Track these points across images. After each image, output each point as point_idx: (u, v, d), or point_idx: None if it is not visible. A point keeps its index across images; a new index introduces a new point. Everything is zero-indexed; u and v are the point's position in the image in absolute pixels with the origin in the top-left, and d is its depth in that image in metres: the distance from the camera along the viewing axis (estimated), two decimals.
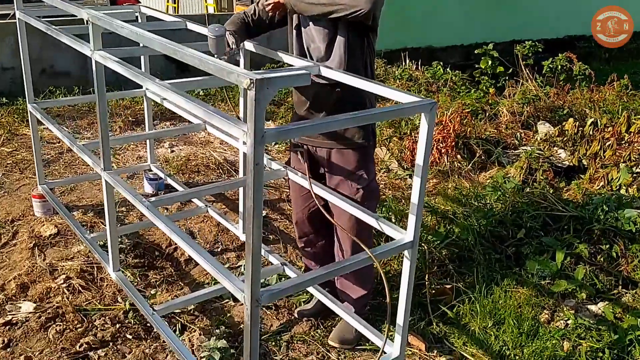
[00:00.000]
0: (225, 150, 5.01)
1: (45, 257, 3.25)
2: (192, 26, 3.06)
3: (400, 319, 2.30)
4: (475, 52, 6.64)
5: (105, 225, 3.58)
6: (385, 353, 2.38)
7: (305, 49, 2.47)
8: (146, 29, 2.24)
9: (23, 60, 3.35)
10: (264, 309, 2.99)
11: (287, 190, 3.95)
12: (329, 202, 2.53)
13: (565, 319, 2.94)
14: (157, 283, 3.14)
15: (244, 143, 1.61)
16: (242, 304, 3.01)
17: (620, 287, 3.08)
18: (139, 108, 5.75)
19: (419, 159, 2.04)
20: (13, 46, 5.93)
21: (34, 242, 3.34)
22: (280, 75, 1.57)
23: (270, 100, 1.58)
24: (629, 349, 2.68)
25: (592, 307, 3.01)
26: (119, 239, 3.41)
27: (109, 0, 8.31)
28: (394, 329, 2.34)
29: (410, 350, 2.74)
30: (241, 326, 2.84)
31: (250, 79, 1.52)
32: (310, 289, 2.79)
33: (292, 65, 2.38)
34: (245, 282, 1.77)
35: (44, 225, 3.51)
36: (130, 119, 5.47)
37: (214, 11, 11.38)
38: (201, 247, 2.15)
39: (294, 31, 2.48)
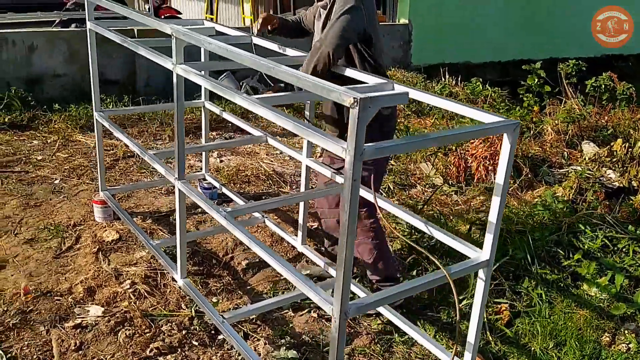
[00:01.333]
0: (272, 161, 5.08)
1: (110, 261, 3.33)
2: (257, 40, 3.14)
3: (471, 337, 2.32)
4: (523, 67, 6.64)
5: (163, 232, 3.70)
6: None
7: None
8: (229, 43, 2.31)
9: (92, 71, 3.47)
10: (323, 320, 3.03)
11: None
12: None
13: (627, 342, 2.92)
14: (218, 291, 3.20)
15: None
16: (301, 315, 3.07)
17: None
18: (186, 117, 5.86)
19: (499, 179, 2.07)
20: (66, 53, 6.10)
21: (97, 246, 3.43)
22: (382, 94, 1.62)
23: (370, 118, 1.63)
24: None
25: None
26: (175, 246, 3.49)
27: (153, 9, 8.49)
28: (463, 347, 2.36)
29: None
30: (303, 336, 2.88)
31: (354, 98, 1.57)
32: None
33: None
34: (335, 295, 1.81)
35: (106, 230, 3.60)
36: None
37: (251, 23, 11.55)
38: (283, 259, 2.19)
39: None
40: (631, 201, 4.33)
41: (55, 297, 3.00)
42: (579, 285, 3.29)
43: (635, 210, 3.99)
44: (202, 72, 2.44)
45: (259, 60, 1.97)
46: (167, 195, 4.26)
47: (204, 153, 4.16)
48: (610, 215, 3.75)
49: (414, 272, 3.42)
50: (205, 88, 3.83)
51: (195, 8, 13.57)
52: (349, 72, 2.59)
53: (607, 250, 3.44)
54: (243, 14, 11.79)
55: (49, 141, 5.07)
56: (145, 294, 3.07)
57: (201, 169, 4.35)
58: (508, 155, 2.03)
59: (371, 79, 2.45)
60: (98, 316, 2.88)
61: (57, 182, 4.30)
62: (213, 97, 4.51)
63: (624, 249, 3.39)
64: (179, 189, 2.68)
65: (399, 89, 2.29)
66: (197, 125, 5.75)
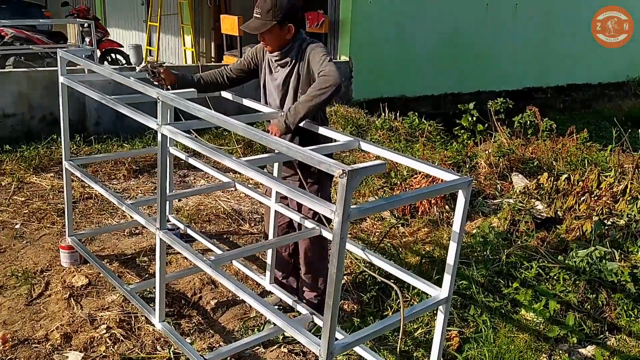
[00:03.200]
0: (228, 199, 5.28)
1: (82, 307, 3.43)
2: (247, 102, 3.38)
3: None
4: (458, 106, 7.20)
5: (131, 275, 3.82)
6: None
7: (267, 100, 3.28)
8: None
9: (62, 122, 3.57)
10: (293, 355, 3.26)
11: None
12: (294, 220, 3.28)
13: None
14: (191, 331, 3.37)
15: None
16: (272, 350, 3.29)
17: (606, 332, 3.50)
18: (139, 157, 5.96)
19: (456, 227, 2.40)
20: (15, 93, 6.08)
21: (68, 292, 3.52)
22: (365, 166, 1.91)
23: (356, 186, 1.92)
24: None
25: (583, 351, 3.41)
26: (147, 290, 3.63)
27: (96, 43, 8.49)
28: None
29: None
30: None
31: (343, 170, 1.86)
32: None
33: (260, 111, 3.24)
34: (323, 337, 2.07)
35: (74, 275, 3.68)
36: (133, 167, 5.68)
37: (193, 56, 11.71)
38: (272, 306, 2.42)
39: (261, 89, 3.30)
40: (558, 230, 4.84)
41: (33, 345, 3.08)
42: (518, 311, 3.69)
43: (562, 240, 4.48)
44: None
45: (250, 130, 2.22)
46: (129, 236, 4.37)
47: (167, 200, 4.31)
48: (542, 246, 4.20)
49: (372, 306, 3.72)
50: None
51: (135, 39, 13.56)
52: (322, 130, 2.89)
53: (540, 278, 3.87)
54: (184, 45, 11.93)
55: (3, 184, 5.05)
56: (122, 337, 3.20)
57: None
58: (463, 207, 2.36)
59: (340, 137, 2.75)
60: None
61: (17, 226, 4.33)
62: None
63: (554, 277, 3.82)
64: (160, 239, 2.86)
65: (367, 147, 2.60)
66: (150, 163, 5.88)
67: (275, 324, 3.26)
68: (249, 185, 3.81)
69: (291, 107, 2.92)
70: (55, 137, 5.83)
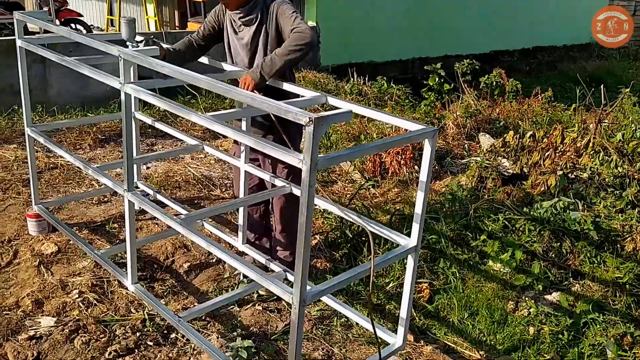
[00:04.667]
0: (198, 165, 5.24)
1: (53, 273, 3.40)
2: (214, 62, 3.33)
3: (403, 312, 2.69)
4: (425, 67, 7.22)
5: (102, 242, 3.80)
6: (388, 344, 2.77)
7: (234, 59, 3.21)
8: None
9: (22, 87, 3.48)
10: (267, 312, 3.30)
11: None
12: (265, 180, 3.27)
13: (528, 307, 3.44)
14: (164, 294, 3.38)
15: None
16: (246, 309, 3.32)
17: (570, 278, 3.62)
18: (104, 125, 5.86)
19: (423, 176, 2.44)
20: None
21: (37, 259, 3.48)
22: (331, 114, 1.92)
23: (323, 134, 1.93)
24: (583, 330, 3.21)
25: (548, 297, 3.53)
26: (118, 255, 3.61)
27: (54, 12, 8.23)
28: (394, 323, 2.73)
29: None
30: (251, 328, 3.14)
31: (310, 118, 1.86)
32: None
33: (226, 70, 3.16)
34: (294, 285, 2.10)
35: (43, 243, 3.64)
36: (99, 136, 5.58)
37: (156, 25, 11.45)
38: (242, 259, 2.44)
39: (226, 48, 3.24)
40: (524, 185, 4.95)
41: (4, 312, 3.05)
42: (486, 262, 3.79)
43: (527, 194, 4.59)
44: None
45: (215, 83, 2.20)
46: (98, 204, 4.32)
47: (135, 164, 4.25)
48: (508, 199, 4.30)
49: (344, 262, 3.78)
50: (134, 100, 3.95)
51: (95, 9, 13.18)
52: (287, 86, 2.87)
53: (507, 230, 3.97)
54: (147, 15, 11.65)
55: None
56: (95, 301, 3.19)
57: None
58: (429, 156, 2.40)
59: (307, 92, 2.75)
60: (51, 326, 2.97)
61: None
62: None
63: (520, 228, 3.93)
64: (129, 200, 2.84)
65: (335, 102, 2.60)
66: (116, 132, 5.79)
67: (248, 281, 3.30)
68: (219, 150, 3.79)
69: (266, 59, 2.89)
70: (16, 107, 5.68)
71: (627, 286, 3.46)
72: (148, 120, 3.86)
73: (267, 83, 2.94)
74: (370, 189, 5.15)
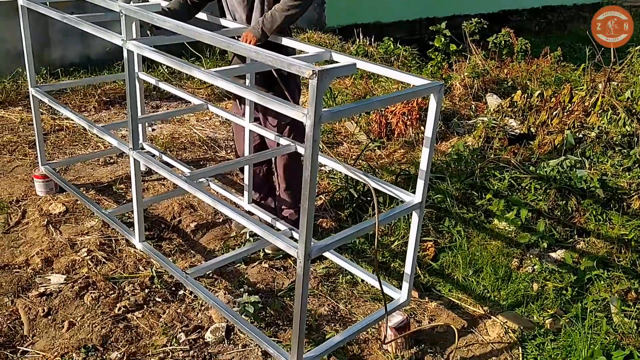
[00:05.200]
0: (203, 127, 5.23)
1: (61, 232, 3.44)
2: (201, 15, 3.28)
3: (408, 268, 2.71)
4: (430, 28, 7.10)
5: (109, 202, 3.83)
6: (392, 299, 2.80)
7: (232, 17, 3.20)
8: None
9: (25, 47, 3.45)
10: (274, 269, 3.34)
11: None
12: (266, 140, 3.27)
13: (532, 265, 3.45)
14: (172, 252, 3.41)
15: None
16: (253, 267, 3.36)
17: (575, 236, 3.63)
18: (108, 88, 5.83)
19: (428, 132, 2.42)
20: None
21: (46, 219, 3.51)
22: (335, 67, 1.90)
23: (327, 87, 1.91)
24: (587, 286, 3.23)
25: (553, 254, 3.55)
26: (126, 215, 3.64)
27: None
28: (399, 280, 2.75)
29: None
30: (258, 285, 3.18)
31: (313, 70, 1.84)
32: None
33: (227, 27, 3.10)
34: (299, 240, 2.11)
35: (51, 203, 3.67)
36: (104, 99, 5.57)
37: None
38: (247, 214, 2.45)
39: (225, 7, 3.21)
40: (530, 145, 4.92)
41: (14, 270, 3.10)
42: (491, 221, 3.80)
43: (534, 153, 4.56)
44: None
45: (218, 37, 2.17)
46: (105, 166, 4.34)
47: (140, 124, 4.25)
48: (514, 158, 4.28)
49: (350, 222, 3.80)
50: (137, 59, 3.92)
51: None
52: (286, 41, 2.84)
53: (513, 189, 3.96)
54: None
55: None
56: (103, 259, 3.23)
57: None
58: (435, 111, 2.38)
59: (311, 48, 2.71)
60: (61, 283, 3.02)
61: None
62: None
63: (526, 187, 3.92)
64: (134, 158, 2.84)
65: (339, 58, 2.57)
66: (120, 95, 5.76)
67: (255, 240, 3.33)
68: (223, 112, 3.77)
69: (266, 15, 2.86)
70: (20, 70, 5.65)
71: (633, 243, 3.46)
72: (152, 80, 3.84)
73: (268, 39, 2.91)
74: (376, 150, 5.13)
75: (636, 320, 2.97)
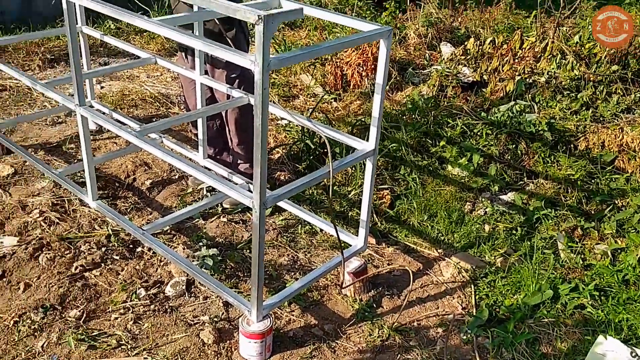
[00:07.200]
0: (154, 84, 5.10)
1: (11, 195, 3.35)
2: None
3: (364, 214, 2.76)
4: None
5: (59, 162, 3.73)
6: (350, 245, 2.86)
7: None
8: None
9: None
10: (232, 223, 3.35)
11: None
12: (216, 92, 3.23)
13: (484, 207, 3.56)
14: (127, 210, 3.38)
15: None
16: (211, 221, 3.36)
17: (525, 178, 3.75)
18: (52, 45, 5.60)
19: (379, 79, 2.43)
20: None
21: None
22: (281, 11, 1.87)
23: (273, 33, 1.88)
24: (536, 225, 3.37)
25: (504, 197, 3.66)
26: (78, 174, 3.57)
27: None
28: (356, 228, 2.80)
29: None
30: (217, 239, 3.19)
31: (259, 16, 1.81)
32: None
33: None
34: (254, 190, 2.12)
35: None
36: (48, 56, 5.34)
37: None
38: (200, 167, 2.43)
39: None
40: (483, 92, 4.99)
41: None
42: (445, 167, 3.88)
43: (486, 99, 4.64)
44: None
45: None
46: (53, 125, 4.21)
47: (87, 81, 4.11)
48: (467, 105, 4.35)
49: (307, 174, 3.81)
50: (80, 13, 3.77)
51: None
52: None
53: (465, 135, 4.04)
54: None
55: None
56: (57, 220, 3.17)
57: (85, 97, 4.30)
58: (385, 57, 2.38)
59: None
60: (14, 245, 2.96)
61: None
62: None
63: (478, 133, 4.00)
64: (81, 115, 2.77)
65: (288, 5, 2.52)
66: (65, 52, 5.54)
67: (212, 195, 3.32)
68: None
69: None
70: None
71: (579, 182, 3.60)
72: (97, 34, 3.70)
73: None
74: (332, 102, 5.12)
75: (582, 255, 3.12)
